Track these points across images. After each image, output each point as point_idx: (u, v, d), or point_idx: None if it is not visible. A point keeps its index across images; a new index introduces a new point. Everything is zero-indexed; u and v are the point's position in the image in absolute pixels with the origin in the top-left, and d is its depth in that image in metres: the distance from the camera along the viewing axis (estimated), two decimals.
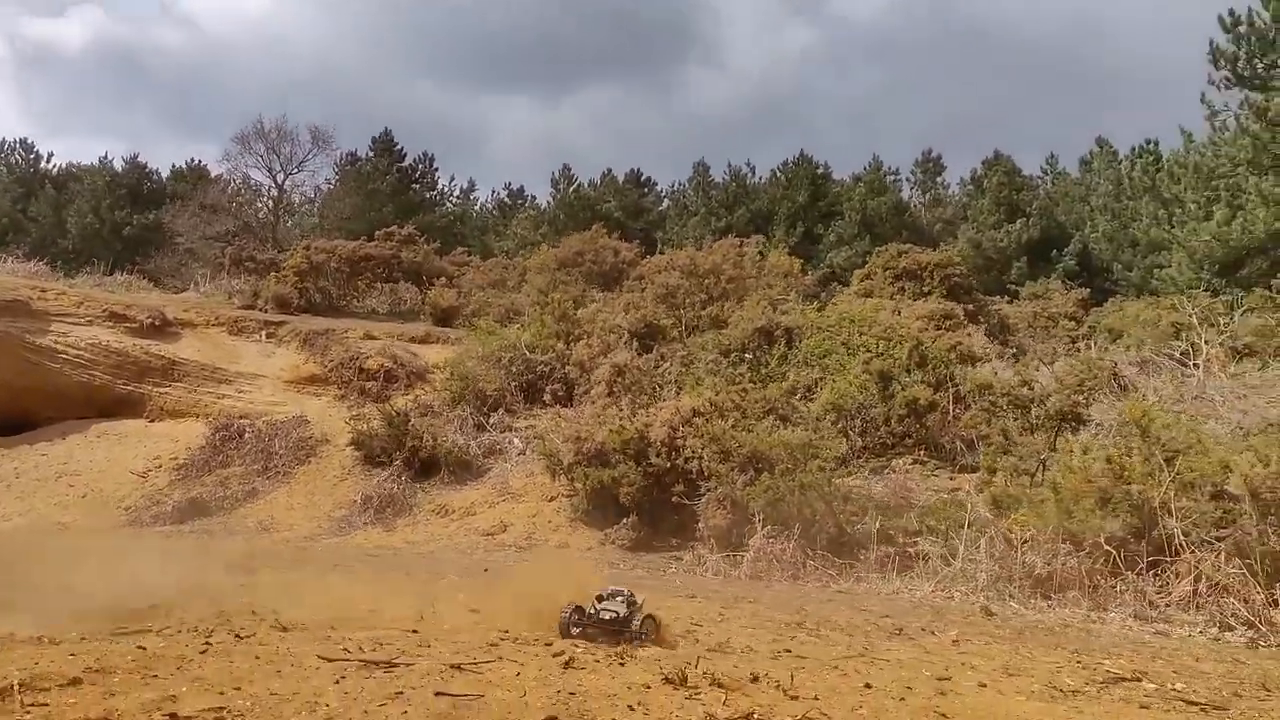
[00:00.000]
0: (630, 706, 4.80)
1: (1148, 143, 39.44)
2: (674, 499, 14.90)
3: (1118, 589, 9.95)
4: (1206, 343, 22.61)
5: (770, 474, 14.11)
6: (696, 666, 5.61)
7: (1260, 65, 29.93)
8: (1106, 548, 10.69)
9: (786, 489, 13.81)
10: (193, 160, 49.04)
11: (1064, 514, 11.52)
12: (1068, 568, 10.24)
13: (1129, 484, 10.43)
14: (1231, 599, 9.34)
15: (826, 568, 12.37)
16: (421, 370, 23.22)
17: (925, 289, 28.71)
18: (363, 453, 19.70)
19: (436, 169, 46.97)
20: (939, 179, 48.43)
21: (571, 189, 44.45)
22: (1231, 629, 9.10)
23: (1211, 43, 30.30)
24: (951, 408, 18.60)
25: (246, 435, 21.28)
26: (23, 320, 23.60)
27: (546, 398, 20.48)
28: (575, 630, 7.00)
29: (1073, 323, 29.87)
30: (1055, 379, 15.90)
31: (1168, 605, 9.65)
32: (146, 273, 35.32)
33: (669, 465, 15.16)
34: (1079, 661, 7.24)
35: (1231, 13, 29.70)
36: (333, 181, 44.24)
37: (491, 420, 20.30)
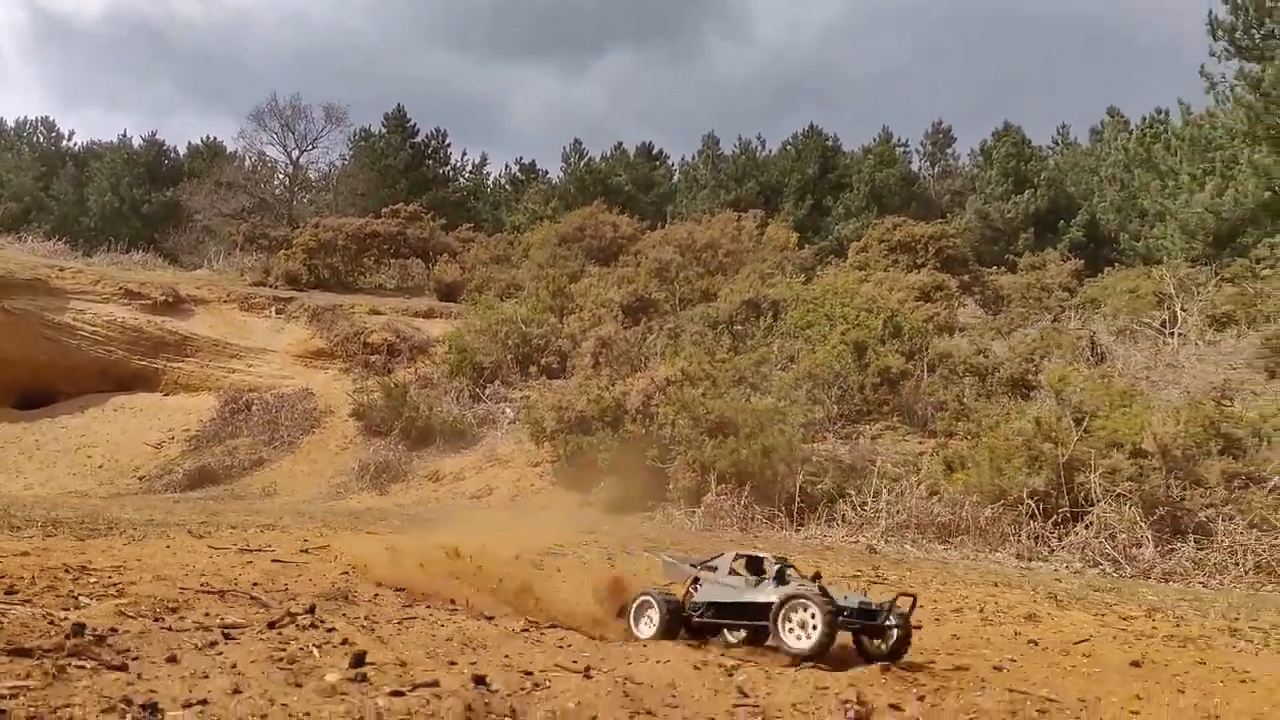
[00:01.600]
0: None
1: (1158, 112, 39.19)
2: (648, 462, 15.81)
3: (1011, 534, 10.77)
4: (1183, 310, 23.12)
5: (736, 438, 15.00)
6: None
7: (1257, 36, 30.03)
8: (1029, 501, 11.48)
9: (749, 452, 14.70)
10: (209, 137, 50.27)
11: (996, 472, 12.34)
12: (965, 516, 11.07)
13: (1044, 443, 11.20)
14: (1111, 540, 10.14)
15: (773, 520, 13.29)
16: (423, 344, 24.25)
17: (919, 261, 29.22)
18: (363, 423, 20.79)
19: (449, 144, 47.81)
20: (949, 150, 48.58)
21: (582, 163, 45.12)
22: (1098, 565, 9.92)
23: (1210, 13, 30.36)
24: (925, 376, 19.37)
25: (255, 408, 22.42)
26: (42, 298, 24.87)
27: (538, 369, 21.44)
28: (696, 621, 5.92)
29: (1066, 293, 30.24)
30: (1009, 348, 16.58)
31: (1061, 548, 10.46)
32: (164, 250, 36.56)
33: (644, 431, 16.06)
34: (941, 586, 8.21)
35: None
36: (347, 158, 45.27)
37: (487, 391, 21.29)
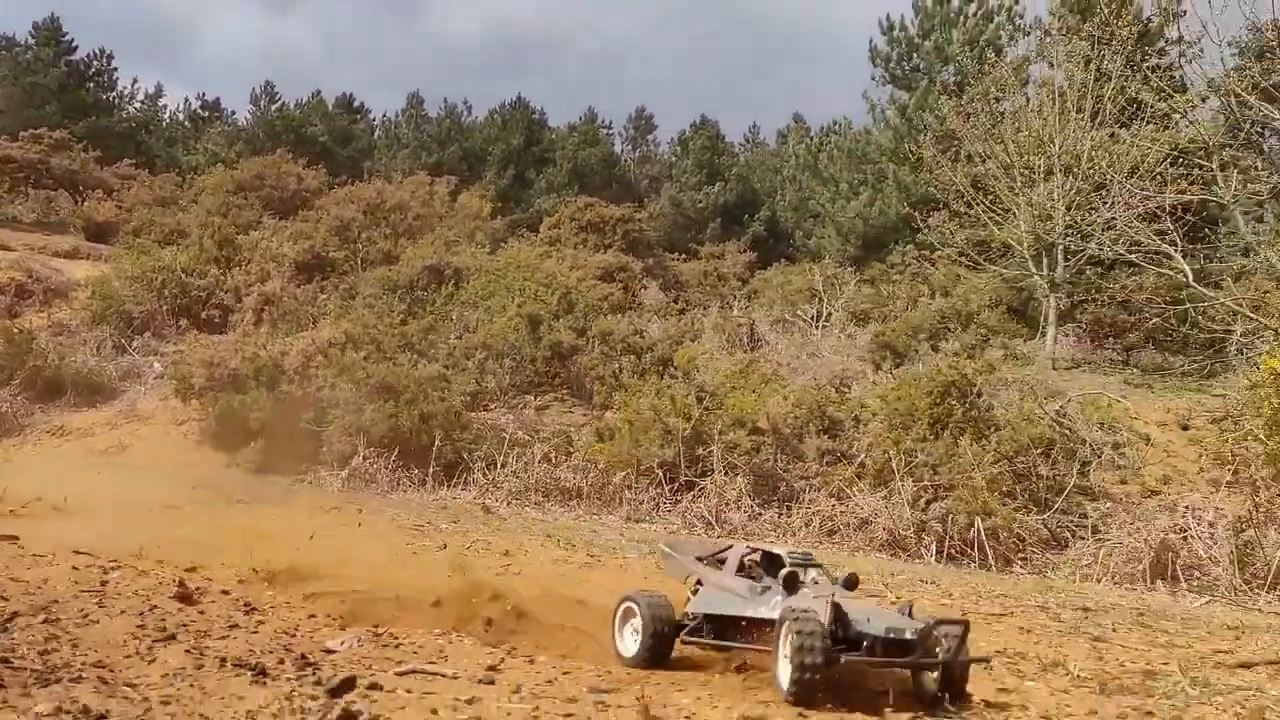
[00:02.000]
0: None
1: (834, 123, 43.04)
2: (303, 425, 15.37)
3: (630, 499, 11.82)
4: (829, 306, 25.93)
5: (396, 404, 14.98)
6: None
7: (907, 67, 34.30)
8: (657, 470, 12.51)
9: (407, 418, 14.75)
10: None
11: (634, 443, 13.32)
12: (588, 482, 12.01)
13: (670, 418, 12.27)
14: (714, 505, 11.43)
15: (419, 482, 13.56)
16: (63, 287, 21.77)
17: (607, 242, 30.51)
18: None
19: (115, 68, 42.85)
20: (650, 137, 50.78)
21: (274, 107, 42.33)
22: (693, 526, 11.22)
23: (871, 42, 34.30)
24: (597, 352, 20.35)
25: None
26: None
27: (197, 323, 20.03)
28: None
29: (740, 283, 32.78)
30: (663, 330, 17.90)
31: (671, 512, 11.63)
32: None
33: (301, 393, 15.59)
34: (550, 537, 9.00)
35: (888, 17, 33.76)
36: None
37: (135, 343, 19.59)
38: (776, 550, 4.95)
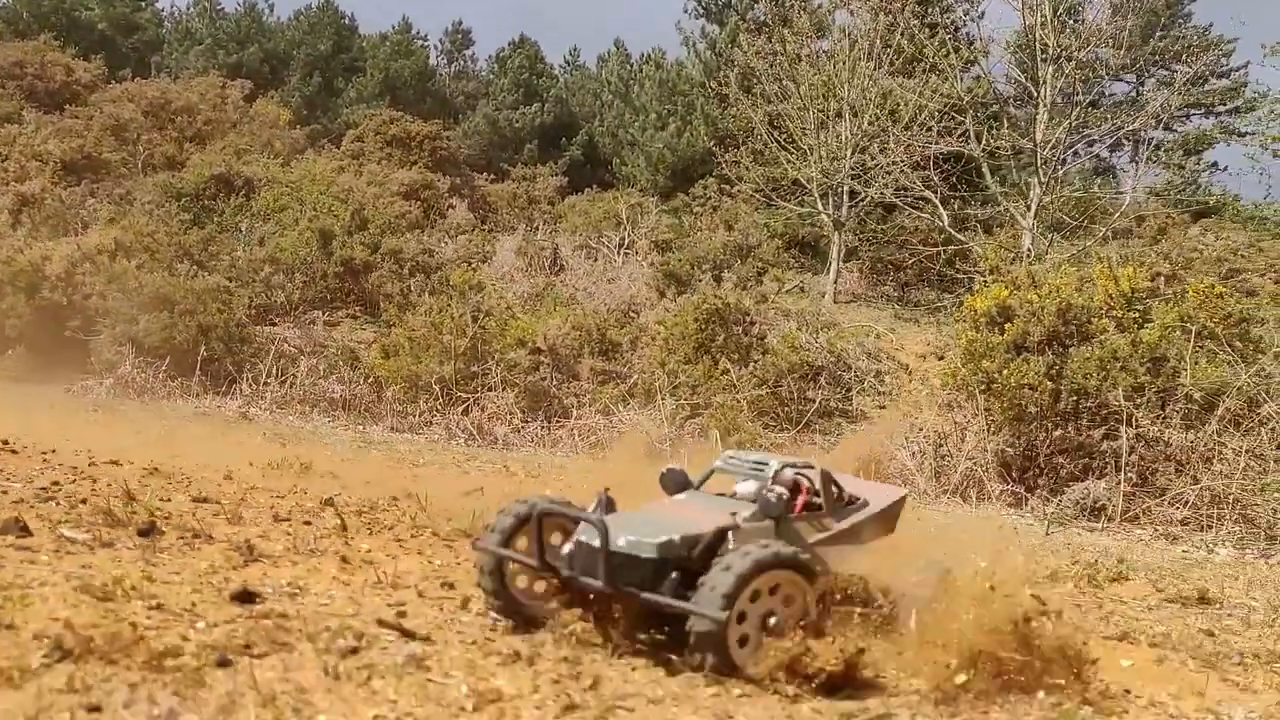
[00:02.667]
0: None
1: (654, 49, 43.15)
2: (68, 334, 14.83)
3: (397, 411, 12.40)
4: (631, 234, 26.76)
5: (171, 314, 14.69)
6: None
7: (719, 2, 35.21)
8: (434, 386, 13.03)
9: (184, 329, 14.53)
10: None
11: (415, 360, 13.75)
12: (357, 394, 12.49)
13: (445, 336, 12.80)
14: (479, 416, 12.21)
15: (188, 393, 13.54)
16: None
17: (413, 158, 30.07)
18: None
19: None
20: (467, 52, 49.52)
21: None
22: (453, 434, 11.99)
23: None
24: (387, 269, 20.37)
25: None
26: None
27: None
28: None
29: (550, 205, 33.08)
30: (455, 250, 18.23)
31: (439, 424, 12.29)
32: None
33: (66, 301, 14.96)
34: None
35: None
36: None
37: None
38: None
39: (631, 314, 19.26)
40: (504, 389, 13.17)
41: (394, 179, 26.69)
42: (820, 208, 26.04)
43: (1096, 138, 23.99)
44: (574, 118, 45.59)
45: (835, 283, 25.45)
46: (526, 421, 12.48)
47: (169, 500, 5.80)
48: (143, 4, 41.72)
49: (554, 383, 13.46)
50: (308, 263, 19.14)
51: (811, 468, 4.47)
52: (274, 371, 13.36)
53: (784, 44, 25.85)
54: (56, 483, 5.88)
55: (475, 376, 13.65)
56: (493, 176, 34.43)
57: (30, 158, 19.34)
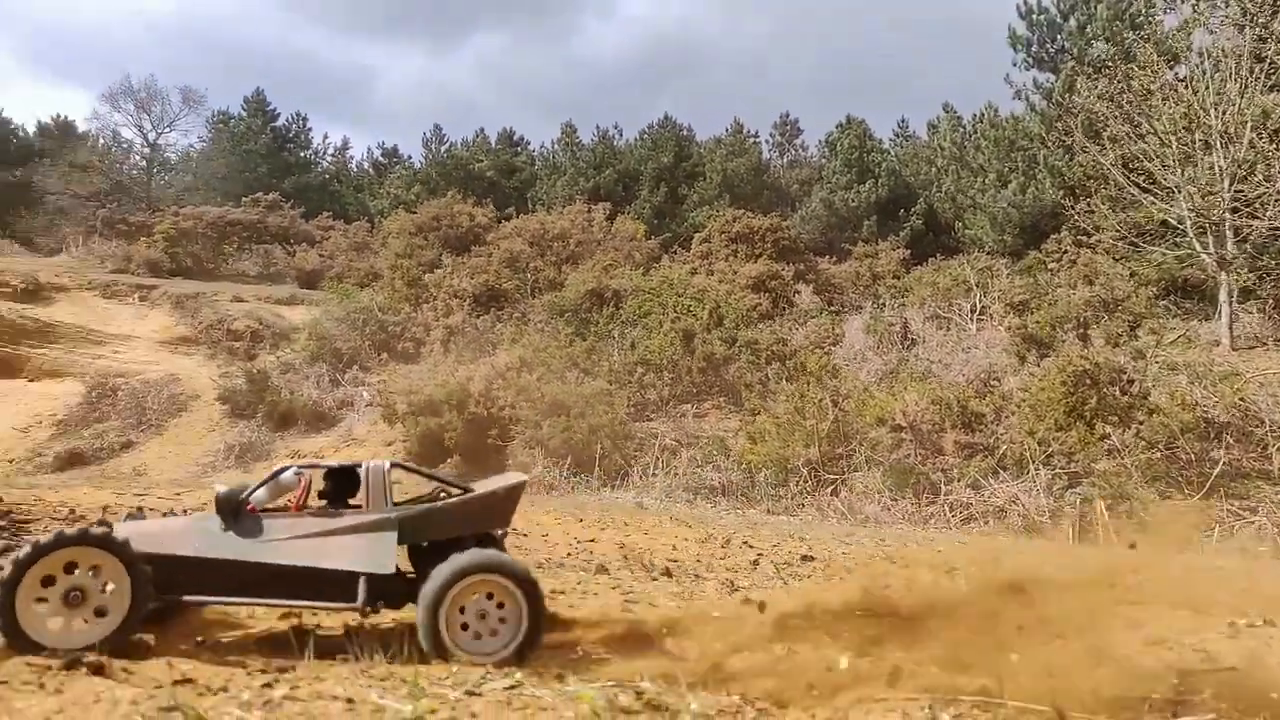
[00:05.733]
0: None
1: (986, 107, 42.16)
2: (489, 441, 17.55)
3: (771, 495, 13.13)
4: (982, 299, 26.01)
5: (567, 418, 16.92)
6: None
7: (1050, 49, 33.80)
8: (802, 469, 13.80)
9: (579, 430, 16.66)
10: (59, 116, 48.69)
11: (782, 444, 14.64)
12: (733, 480, 13.40)
13: (809, 421, 13.53)
14: (854, 497, 12.60)
15: (587, 485, 15.37)
16: (285, 330, 25.22)
17: (757, 251, 31.71)
18: (228, 406, 21.75)
19: (310, 128, 47.96)
20: (796, 141, 51.41)
21: (443, 149, 46.02)
22: (825, 515, 12.40)
23: (1010, 28, 34.05)
24: (745, 360, 21.69)
25: (121, 392, 22.98)
26: None
27: (394, 355, 22.84)
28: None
29: (896, 280, 33.02)
30: (804, 336, 19.04)
31: (811, 505, 12.87)
32: (16, 233, 35.77)
33: (486, 413, 17.78)
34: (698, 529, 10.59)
35: (1026, 1, 33.41)
36: (206, 140, 44.85)
37: (346, 376, 22.56)
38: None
39: (992, 383, 18.81)
40: (869, 468, 13.60)
41: (742, 274, 28.35)
42: (1199, 247, 23.63)
43: None
44: (909, 188, 45.31)
45: (1230, 328, 22.78)
46: (895, 499, 12.79)
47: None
48: (518, 149, 48.39)
49: (918, 458, 13.66)
50: (674, 360, 20.95)
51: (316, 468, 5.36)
52: (658, 463, 14.83)
53: (1129, 80, 24.25)
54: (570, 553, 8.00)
55: (840, 457, 14.23)
56: (834, 258, 35.18)
57: (451, 295, 23.34)
